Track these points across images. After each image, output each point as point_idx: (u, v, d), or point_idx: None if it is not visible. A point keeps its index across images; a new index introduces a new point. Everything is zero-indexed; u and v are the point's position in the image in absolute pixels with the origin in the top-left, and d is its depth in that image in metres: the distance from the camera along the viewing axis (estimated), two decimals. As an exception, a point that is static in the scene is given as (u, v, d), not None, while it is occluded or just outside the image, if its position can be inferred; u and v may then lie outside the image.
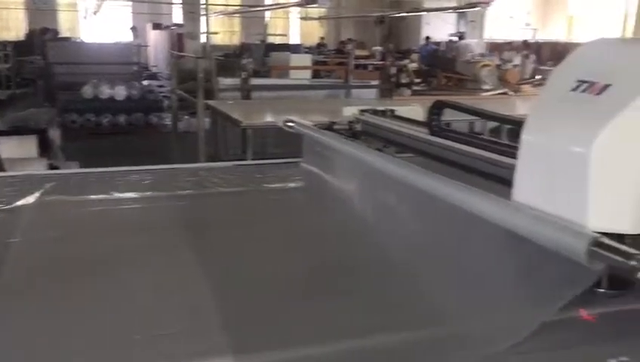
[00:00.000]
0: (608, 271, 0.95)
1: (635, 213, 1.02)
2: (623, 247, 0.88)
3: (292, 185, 2.14)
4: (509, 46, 14.01)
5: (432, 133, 1.92)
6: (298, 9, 23.79)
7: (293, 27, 27.17)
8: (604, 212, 1.01)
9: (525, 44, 14.08)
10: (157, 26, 18.63)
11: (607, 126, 1.00)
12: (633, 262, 0.85)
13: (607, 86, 1.06)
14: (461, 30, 15.36)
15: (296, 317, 1.12)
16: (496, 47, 14.01)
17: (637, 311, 1.09)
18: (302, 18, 25.89)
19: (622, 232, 1.01)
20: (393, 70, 8.89)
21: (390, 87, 8.14)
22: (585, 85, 1.10)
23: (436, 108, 1.96)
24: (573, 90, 1.12)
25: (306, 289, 1.25)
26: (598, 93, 1.07)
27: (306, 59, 11.85)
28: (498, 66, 9.72)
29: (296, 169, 2.18)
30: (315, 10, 23.68)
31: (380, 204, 1.65)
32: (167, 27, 18.32)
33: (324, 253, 1.44)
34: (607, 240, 0.90)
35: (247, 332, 1.07)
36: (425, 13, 17.42)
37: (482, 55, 10.93)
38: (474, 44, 12.99)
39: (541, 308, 0.97)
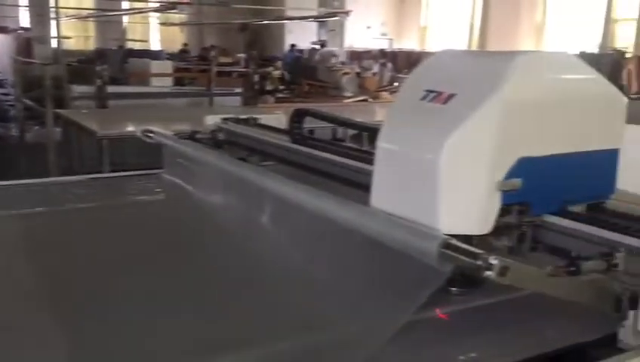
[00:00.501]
0: (459, 271, 1.00)
1: (482, 215, 1.09)
2: (470, 248, 0.93)
3: (152, 197, 2.06)
4: (367, 55, 14.59)
5: (294, 141, 1.94)
6: (157, 14, 23.13)
7: (153, 33, 26.37)
8: (454, 215, 1.07)
9: (382, 53, 14.76)
10: (2, 30, 17.25)
11: (454, 133, 1.06)
12: (479, 262, 0.90)
13: (452, 95, 1.13)
14: (322, 38, 15.74)
15: (161, 334, 1.07)
16: (356, 56, 14.54)
17: (485, 306, 1.16)
18: (162, 24, 25.20)
19: (470, 233, 1.08)
20: (257, 77, 8.92)
21: (254, 95, 8.15)
22: (432, 95, 1.16)
23: (297, 117, 1.99)
24: (422, 99, 1.17)
25: (170, 305, 1.21)
26: (444, 103, 1.13)
27: (167, 66, 11.53)
28: (358, 74, 10.10)
29: (157, 181, 2.10)
30: (176, 16, 23.16)
31: (243, 214, 1.63)
32: (13, 31, 17.02)
33: (189, 267, 1.40)
34: (455, 242, 0.94)
35: (102, 354, 1.00)
36: (287, 21, 17.69)
37: (343, 63, 11.29)
38: (335, 52, 13.37)
39: (400, 309, 1.00)
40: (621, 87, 5.11)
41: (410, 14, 22.84)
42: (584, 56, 11.98)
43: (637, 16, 15.16)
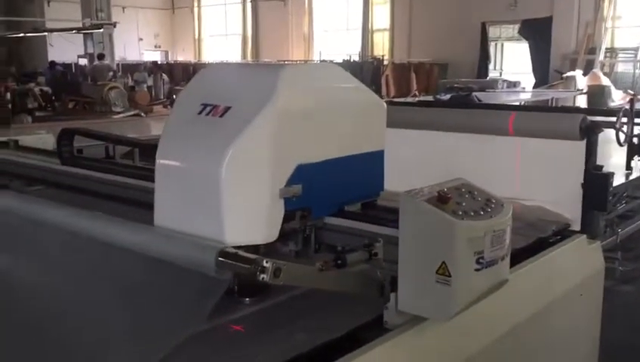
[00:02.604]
0: (244, 279, 1.00)
1: (267, 224, 1.10)
2: (245, 254, 0.93)
3: None
4: (140, 67, 14.08)
5: (64, 163, 1.80)
6: None
7: None
8: (239, 226, 1.07)
9: (156, 65, 14.33)
10: None
11: (233, 146, 1.06)
12: (254, 266, 0.90)
13: (228, 108, 1.13)
14: (89, 52, 14.75)
15: None
16: (128, 69, 13.96)
17: (264, 310, 1.18)
18: None
19: (256, 243, 1.09)
20: (8, 95, 7.99)
21: (7, 115, 7.28)
22: (209, 108, 1.15)
23: (65, 136, 1.85)
24: (199, 113, 1.16)
25: None
26: (221, 115, 1.13)
27: None
28: (132, 88, 9.68)
29: None
30: None
31: (14, 251, 1.45)
32: None
33: None
34: (231, 250, 0.94)
35: None
36: (47, 33, 16.31)
37: (114, 77, 10.75)
38: (104, 66, 12.67)
39: (186, 321, 0.97)
40: (378, 92, 5.60)
41: (183, 26, 22.66)
42: (348, 64, 12.95)
43: (388, 27, 16.91)
